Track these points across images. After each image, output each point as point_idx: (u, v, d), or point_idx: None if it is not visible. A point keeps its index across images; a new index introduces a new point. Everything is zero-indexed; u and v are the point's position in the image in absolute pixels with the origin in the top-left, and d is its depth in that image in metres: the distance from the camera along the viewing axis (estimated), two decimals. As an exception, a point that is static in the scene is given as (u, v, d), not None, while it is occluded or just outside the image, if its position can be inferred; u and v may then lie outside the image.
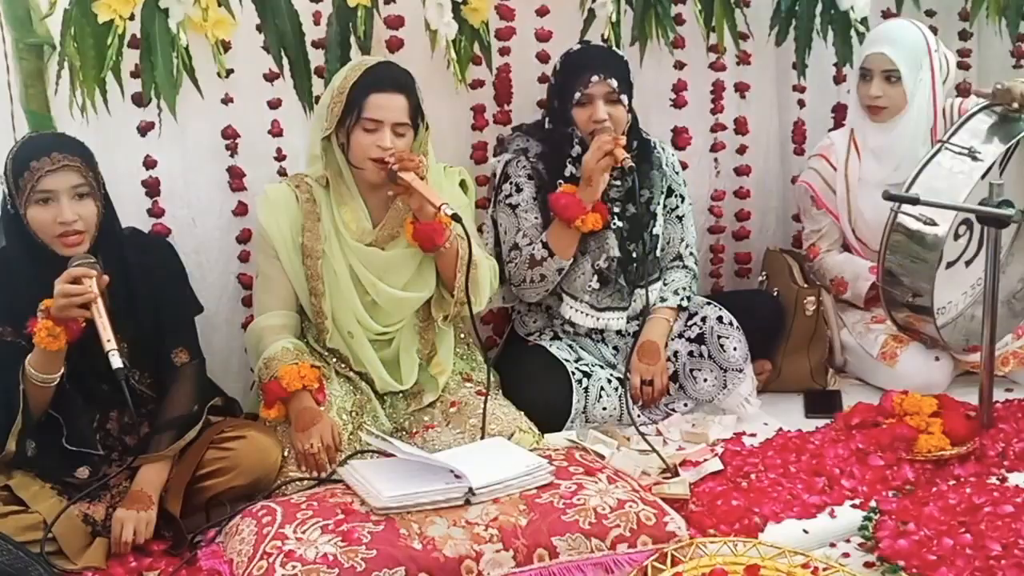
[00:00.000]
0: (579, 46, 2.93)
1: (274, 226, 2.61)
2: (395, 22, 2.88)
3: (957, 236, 2.88)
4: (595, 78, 2.80)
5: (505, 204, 2.91)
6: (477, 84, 3.03)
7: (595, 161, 2.72)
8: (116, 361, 2.19)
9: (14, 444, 2.30)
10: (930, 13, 3.54)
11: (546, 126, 2.93)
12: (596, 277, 2.90)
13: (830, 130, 3.43)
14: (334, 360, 2.69)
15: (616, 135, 2.75)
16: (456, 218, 2.48)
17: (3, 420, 2.32)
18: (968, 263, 2.97)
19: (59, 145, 2.33)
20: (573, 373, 2.83)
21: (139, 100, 2.66)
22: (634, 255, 2.92)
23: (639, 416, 2.88)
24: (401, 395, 2.74)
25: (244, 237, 2.89)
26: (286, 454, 2.47)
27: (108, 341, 2.20)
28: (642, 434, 2.70)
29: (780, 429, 2.86)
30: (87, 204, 2.31)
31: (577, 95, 2.81)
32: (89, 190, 2.32)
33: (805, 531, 2.35)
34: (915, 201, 2.71)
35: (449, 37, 2.85)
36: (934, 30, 3.27)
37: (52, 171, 2.27)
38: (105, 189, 2.39)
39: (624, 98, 2.83)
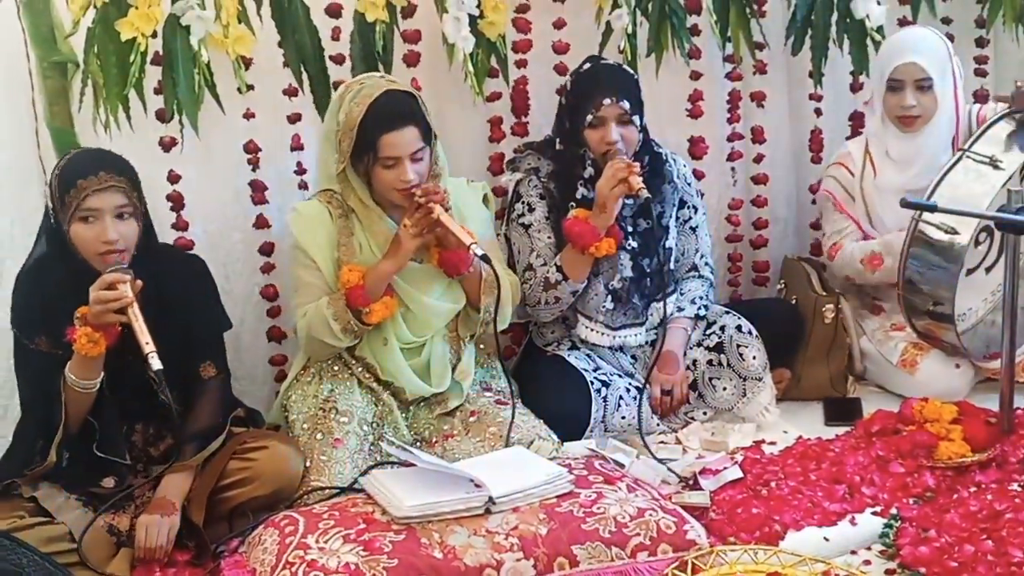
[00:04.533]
0: (588, 64, 2.89)
1: (312, 242, 2.62)
2: (412, 36, 2.91)
3: (978, 243, 2.88)
4: (607, 101, 2.77)
5: (518, 224, 2.91)
6: (494, 97, 3.05)
7: (609, 188, 2.71)
8: (156, 363, 2.20)
9: (55, 455, 2.32)
10: (946, 21, 3.53)
11: (557, 145, 2.91)
12: (610, 297, 2.90)
13: (847, 138, 3.44)
14: (360, 369, 2.70)
15: (630, 161, 2.74)
16: (485, 259, 2.51)
17: (42, 430, 2.34)
18: (988, 270, 2.96)
19: (106, 164, 2.33)
20: (592, 383, 2.83)
21: (162, 116, 2.70)
22: (648, 270, 2.92)
23: (658, 424, 2.89)
24: (423, 403, 2.75)
25: (267, 250, 2.93)
26: (308, 464, 2.49)
27: (147, 344, 2.21)
28: (651, 452, 2.69)
29: (800, 437, 2.85)
30: (129, 224, 2.33)
31: (589, 117, 2.79)
32: (132, 211, 2.33)
33: (826, 539, 2.35)
34: (933, 208, 2.70)
35: (466, 50, 2.86)
36: (951, 37, 3.27)
37: (99, 190, 2.28)
38: (146, 207, 2.41)
39: (636, 119, 2.82)
